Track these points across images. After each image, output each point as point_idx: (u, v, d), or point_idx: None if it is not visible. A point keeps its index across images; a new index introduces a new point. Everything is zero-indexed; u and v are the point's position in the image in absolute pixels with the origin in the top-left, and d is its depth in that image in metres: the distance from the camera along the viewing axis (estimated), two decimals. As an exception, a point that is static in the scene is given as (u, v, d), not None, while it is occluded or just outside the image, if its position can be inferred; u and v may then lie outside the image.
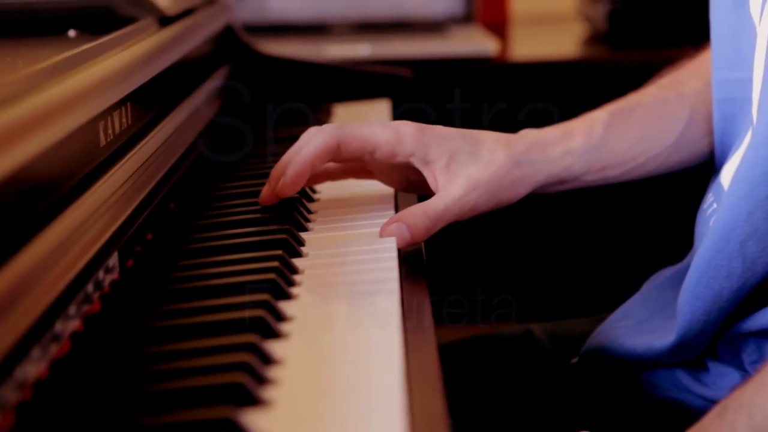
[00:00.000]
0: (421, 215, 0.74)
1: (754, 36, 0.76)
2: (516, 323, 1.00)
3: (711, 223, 0.80)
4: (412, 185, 0.82)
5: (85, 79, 0.65)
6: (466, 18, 1.69)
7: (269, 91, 1.20)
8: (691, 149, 0.88)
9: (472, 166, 0.76)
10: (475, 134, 0.78)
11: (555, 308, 1.63)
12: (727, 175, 0.80)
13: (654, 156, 0.86)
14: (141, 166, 0.74)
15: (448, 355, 0.95)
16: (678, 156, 0.87)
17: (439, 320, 0.65)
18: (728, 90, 0.81)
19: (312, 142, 0.75)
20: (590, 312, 0.98)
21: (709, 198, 0.83)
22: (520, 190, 0.79)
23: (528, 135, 0.80)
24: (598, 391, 0.86)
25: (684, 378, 0.80)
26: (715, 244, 0.73)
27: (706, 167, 0.87)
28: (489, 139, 0.78)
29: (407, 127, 0.76)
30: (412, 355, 0.53)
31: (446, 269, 1.61)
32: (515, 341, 0.97)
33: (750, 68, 0.77)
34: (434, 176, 0.76)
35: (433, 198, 0.76)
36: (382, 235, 0.73)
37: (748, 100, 0.77)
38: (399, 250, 0.71)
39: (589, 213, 1.62)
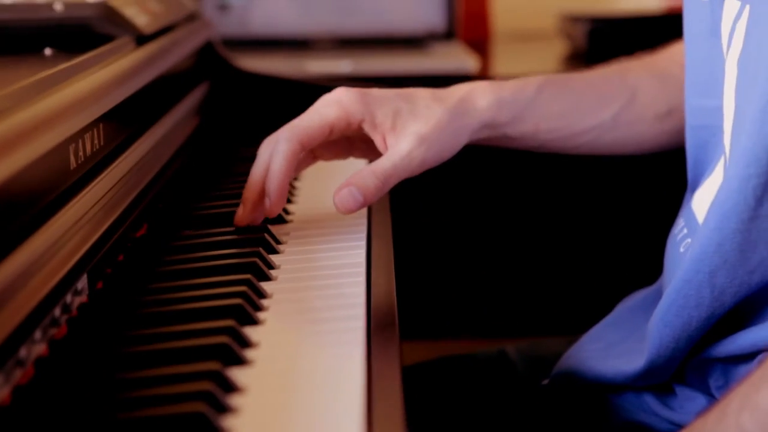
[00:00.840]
0: (370, 175, 0.77)
1: (724, 65, 0.77)
2: (489, 340, 1.01)
3: (681, 249, 0.81)
4: (356, 151, 0.85)
5: (56, 101, 0.65)
6: (448, 35, 1.70)
7: (247, 108, 1.20)
8: (629, 133, 0.90)
9: (414, 123, 0.80)
10: (410, 93, 0.82)
11: (529, 326, 1.64)
12: (698, 202, 0.81)
13: (587, 128, 0.89)
14: (113, 187, 0.74)
15: (420, 374, 0.96)
16: (613, 135, 0.90)
17: (411, 335, 0.66)
18: (701, 117, 0.83)
19: (278, 153, 0.77)
20: (563, 330, 0.98)
21: (680, 223, 0.84)
22: (461, 139, 0.82)
23: (460, 88, 0.84)
24: (567, 413, 0.87)
25: (651, 402, 0.81)
26: (685, 273, 0.74)
27: (679, 191, 0.88)
28: (424, 95, 0.82)
29: (348, 95, 0.80)
30: (376, 385, 0.54)
31: (420, 285, 1.62)
32: (488, 361, 0.98)
33: (721, 97, 0.78)
34: (383, 138, 0.80)
35: (381, 158, 0.79)
36: (335, 201, 0.76)
37: (720, 128, 0.78)
38: (368, 272, 0.71)
39: (566, 233, 1.63)
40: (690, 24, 0.83)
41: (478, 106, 0.83)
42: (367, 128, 0.80)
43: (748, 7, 0.74)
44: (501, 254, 1.64)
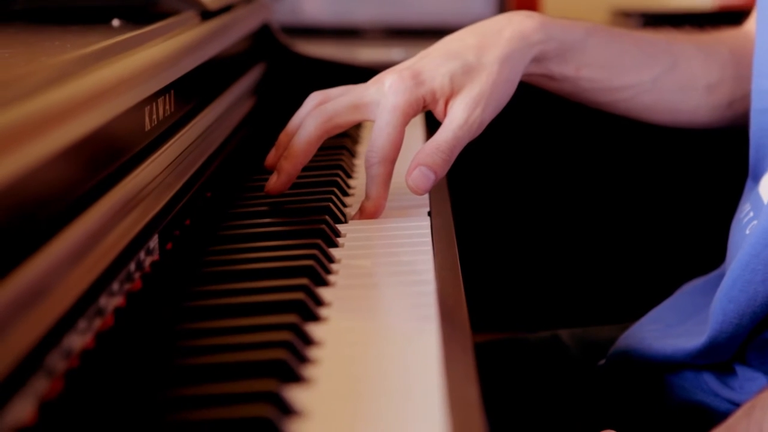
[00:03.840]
0: (436, 151, 0.77)
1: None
2: (544, 331, 1.01)
3: (747, 231, 0.80)
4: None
5: (133, 63, 0.66)
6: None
7: (303, 91, 1.21)
8: (667, 98, 0.89)
9: (468, 84, 0.78)
10: (457, 48, 0.80)
11: (583, 315, 1.63)
12: (765, 186, 0.81)
13: (627, 85, 0.87)
14: (181, 153, 0.75)
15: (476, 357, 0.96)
16: (650, 97, 0.89)
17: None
18: (766, 100, 0.82)
19: (304, 131, 0.77)
20: (618, 319, 0.98)
21: (746, 208, 0.83)
22: (515, 82, 0.81)
23: (509, 21, 0.82)
24: (624, 393, 0.86)
25: (711, 381, 0.80)
26: (752, 248, 0.73)
27: (740, 180, 0.88)
28: (471, 44, 0.80)
29: (402, 86, 0.77)
30: (449, 348, 0.53)
31: (477, 277, 1.62)
32: (542, 345, 0.97)
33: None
34: (444, 106, 0.79)
35: (440, 130, 0.78)
36: (408, 183, 0.76)
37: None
38: (432, 240, 0.71)
39: (621, 223, 1.62)
40: (762, 6, 0.82)
41: (532, 39, 0.81)
42: (429, 105, 0.79)
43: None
44: (558, 243, 1.64)
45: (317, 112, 0.78)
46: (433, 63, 0.79)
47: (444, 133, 0.78)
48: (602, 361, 0.89)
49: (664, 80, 0.88)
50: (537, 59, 0.82)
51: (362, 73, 1.22)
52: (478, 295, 1.64)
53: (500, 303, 1.66)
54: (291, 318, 0.54)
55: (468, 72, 0.79)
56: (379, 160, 0.77)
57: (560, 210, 1.61)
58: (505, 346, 0.99)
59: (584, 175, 1.59)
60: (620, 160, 1.57)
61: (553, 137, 1.56)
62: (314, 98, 0.80)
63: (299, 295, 0.57)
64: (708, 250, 0.98)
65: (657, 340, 0.84)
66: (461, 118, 0.78)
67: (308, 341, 0.53)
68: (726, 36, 0.93)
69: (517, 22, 0.82)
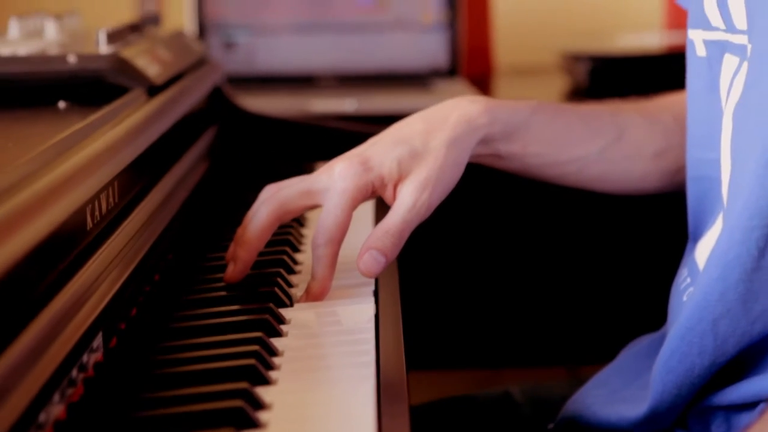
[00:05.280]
0: (385, 235, 0.79)
1: (722, 119, 0.79)
2: (489, 370, 1.02)
3: (685, 298, 0.82)
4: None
5: (73, 165, 0.66)
6: (451, 71, 1.72)
7: (255, 150, 1.22)
8: (615, 168, 0.92)
9: (417, 168, 0.81)
10: (404, 133, 0.82)
11: (531, 358, 1.65)
12: (701, 252, 0.83)
13: (573, 159, 0.90)
14: (128, 243, 0.75)
15: (425, 415, 0.97)
16: (598, 168, 0.91)
17: (411, 366, 0.68)
18: (700, 168, 0.84)
19: (257, 217, 0.80)
20: (567, 362, 1.00)
21: (684, 273, 0.86)
22: (463, 164, 0.83)
23: (453, 107, 0.84)
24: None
25: (654, 448, 0.82)
26: (688, 321, 0.75)
27: (681, 240, 0.90)
28: (417, 130, 0.82)
29: (350, 172, 0.80)
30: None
31: (423, 317, 1.63)
32: (493, 403, 0.99)
33: (719, 149, 0.80)
34: (392, 192, 0.81)
35: (389, 214, 0.80)
36: (359, 267, 0.78)
37: (719, 180, 0.80)
38: (377, 328, 0.73)
39: (574, 275, 1.64)
40: (690, 80, 0.85)
41: (477, 123, 0.84)
42: (378, 190, 0.81)
43: (746, 63, 0.76)
44: (506, 289, 1.66)
45: (270, 200, 0.81)
46: (381, 149, 0.81)
47: (393, 217, 0.80)
48: (551, 425, 0.91)
49: (610, 151, 0.91)
50: (484, 141, 0.85)
51: (311, 130, 1.24)
52: (428, 333, 1.67)
53: (449, 342, 1.68)
54: (227, 431, 0.55)
55: (415, 157, 0.81)
56: (326, 242, 0.78)
57: (510, 255, 1.63)
58: (457, 405, 1.00)
59: (535, 222, 1.61)
60: (575, 212, 1.59)
61: (500, 201, 1.58)
62: (268, 190, 0.82)
63: (238, 403, 0.58)
64: (657, 306, 1.00)
65: (602, 406, 0.86)
66: (409, 202, 0.80)
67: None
68: (669, 102, 0.95)
69: (462, 107, 0.84)
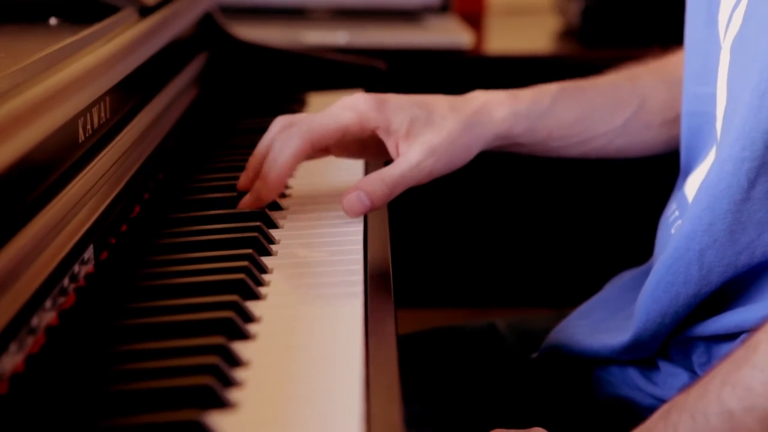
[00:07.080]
0: (379, 182, 0.79)
1: (719, 53, 0.79)
2: (478, 309, 1.03)
3: (672, 231, 0.83)
4: (369, 153, 0.86)
5: (66, 76, 0.66)
6: (443, 8, 1.70)
7: (246, 79, 1.22)
8: (638, 138, 0.92)
9: (428, 133, 0.81)
10: (428, 101, 0.83)
11: (518, 298, 1.66)
12: (691, 186, 0.83)
13: (599, 135, 0.90)
14: (119, 159, 0.75)
15: (411, 345, 0.98)
16: (623, 140, 0.91)
17: (400, 303, 0.69)
18: (695, 104, 0.84)
19: (288, 148, 0.78)
20: (552, 304, 1.01)
21: (672, 207, 0.86)
22: (473, 150, 0.84)
23: (477, 98, 0.85)
24: (555, 387, 0.89)
25: (636, 377, 0.83)
26: (675, 251, 0.76)
27: (671, 176, 0.90)
28: (441, 104, 0.83)
29: (366, 101, 0.81)
30: (373, 362, 0.56)
31: (412, 254, 1.64)
32: (478, 334, 1.00)
33: (715, 84, 0.80)
34: (395, 144, 0.81)
35: (391, 165, 0.81)
36: (343, 204, 0.78)
37: (713, 115, 0.80)
38: (365, 250, 0.73)
39: (561, 212, 1.65)
40: (690, 14, 0.85)
41: (495, 117, 0.84)
42: (382, 135, 0.81)
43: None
44: (495, 228, 1.66)
45: (297, 128, 0.80)
46: (401, 103, 0.82)
47: (393, 169, 0.80)
48: (535, 354, 0.92)
49: (633, 121, 0.91)
50: (503, 137, 0.85)
51: (303, 60, 1.24)
52: (418, 272, 1.68)
53: (439, 281, 1.69)
54: (218, 340, 0.55)
55: (429, 124, 0.81)
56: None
57: (500, 194, 1.64)
58: (443, 335, 1.01)
59: (523, 162, 1.61)
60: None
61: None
62: (280, 122, 0.81)
63: (228, 314, 0.58)
64: (643, 243, 1.01)
65: (585, 335, 0.87)
66: (413, 161, 0.80)
67: (235, 362, 0.55)
68: (676, 59, 0.95)
69: (486, 99, 0.85)
